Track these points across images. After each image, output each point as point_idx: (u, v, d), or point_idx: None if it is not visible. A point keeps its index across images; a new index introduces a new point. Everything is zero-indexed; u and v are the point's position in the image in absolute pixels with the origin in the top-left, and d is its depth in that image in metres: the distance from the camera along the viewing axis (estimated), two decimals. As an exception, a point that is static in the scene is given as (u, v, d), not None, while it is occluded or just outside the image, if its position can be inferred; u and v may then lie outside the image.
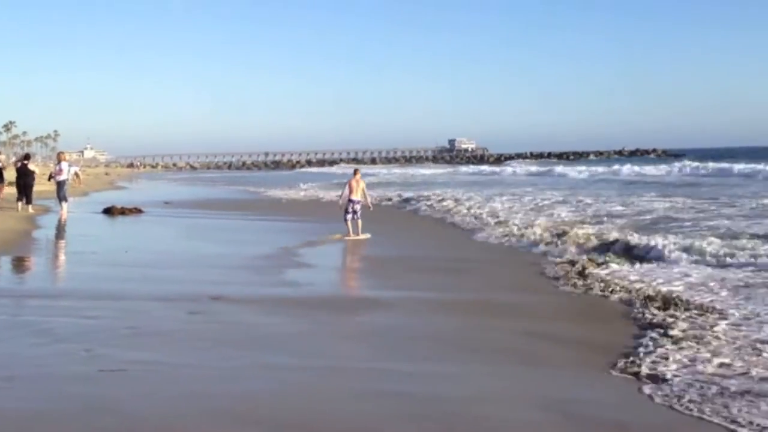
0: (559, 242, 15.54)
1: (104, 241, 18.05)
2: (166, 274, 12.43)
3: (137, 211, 25.34)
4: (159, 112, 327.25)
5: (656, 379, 6.38)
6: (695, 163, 56.21)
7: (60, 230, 19.80)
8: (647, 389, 6.12)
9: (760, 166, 44.21)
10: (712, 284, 10.43)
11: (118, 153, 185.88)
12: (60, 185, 24.11)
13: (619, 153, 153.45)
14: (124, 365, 6.65)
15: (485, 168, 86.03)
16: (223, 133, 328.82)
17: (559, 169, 65.99)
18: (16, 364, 6.72)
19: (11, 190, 26.02)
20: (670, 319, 8.33)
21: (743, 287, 10.23)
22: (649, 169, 55.30)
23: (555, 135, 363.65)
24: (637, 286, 10.45)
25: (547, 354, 7.42)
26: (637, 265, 12.28)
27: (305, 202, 34.19)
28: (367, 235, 17.92)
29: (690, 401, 5.76)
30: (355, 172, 19.26)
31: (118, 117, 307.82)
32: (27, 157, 27.00)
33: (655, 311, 8.78)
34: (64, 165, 25.04)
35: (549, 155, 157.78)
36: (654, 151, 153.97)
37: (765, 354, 7.04)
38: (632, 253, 13.43)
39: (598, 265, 12.46)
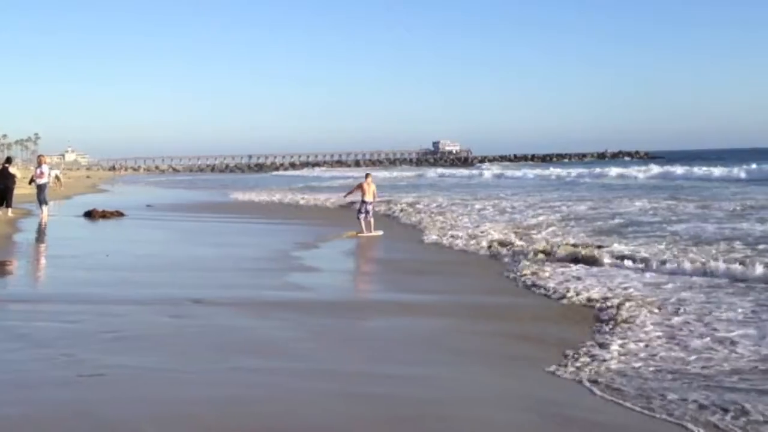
0: (515, 247, 15.21)
1: (85, 244, 17.90)
2: (147, 278, 12.37)
3: (118, 214, 25.19)
4: (141, 114, 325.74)
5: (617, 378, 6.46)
6: (665, 167, 56.62)
7: (40, 234, 19.65)
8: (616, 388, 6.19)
9: (734, 169, 44.84)
10: (647, 288, 10.57)
11: (99, 156, 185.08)
12: (40, 188, 23.96)
13: (602, 155, 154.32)
14: (104, 370, 6.61)
15: (454, 171, 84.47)
16: (206, 135, 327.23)
17: (536, 171, 66.58)
18: (-6, 370, 6.67)
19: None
20: (624, 324, 8.51)
21: (679, 291, 10.32)
22: (627, 171, 55.68)
23: (540, 137, 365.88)
24: (597, 289, 10.53)
25: (526, 355, 7.45)
26: (594, 269, 12.33)
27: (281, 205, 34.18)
28: (380, 233, 19.27)
29: (651, 400, 5.87)
30: (367, 176, 20.56)
31: (100, 119, 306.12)
32: (8, 160, 26.77)
33: (619, 312, 9.01)
34: (44, 168, 24.90)
35: (533, 157, 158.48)
36: (636, 153, 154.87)
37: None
38: (580, 258, 13.32)
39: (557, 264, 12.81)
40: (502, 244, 15.76)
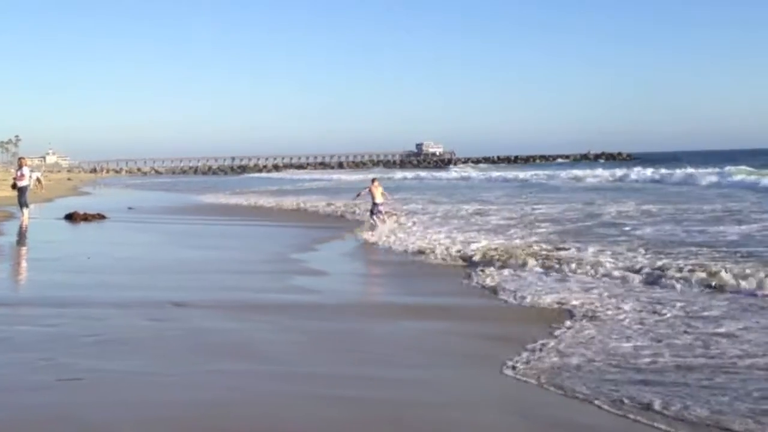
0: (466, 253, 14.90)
1: (66, 247, 17.81)
2: (128, 281, 12.31)
3: (100, 217, 25.06)
4: (123, 116, 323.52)
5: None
6: (639, 169, 56.84)
7: (21, 237, 19.50)
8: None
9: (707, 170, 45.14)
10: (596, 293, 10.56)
11: (80, 158, 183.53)
12: (21, 191, 23.78)
13: (585, 156, 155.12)
14: (84, 374, 6.60)
15: (423, 173, 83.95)
16: (189, 136, 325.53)
17: (500, 173, 67.12)
18: (-28, 374, 6.63)
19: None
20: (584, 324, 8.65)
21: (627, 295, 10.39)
22: (582, 173, 55.72)
23: (525, 139, 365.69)
24: (552, 296, 10.49)
25: (490, 354, 7.46)
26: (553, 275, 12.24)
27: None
28: (394, 225, 20.54)
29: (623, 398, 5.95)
30: (373, 180, 21.74)
31: (81, 121, 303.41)
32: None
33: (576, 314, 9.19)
34: (25, 170, 24.71)
35: (516, 159, 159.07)
36: (619, 154, 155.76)
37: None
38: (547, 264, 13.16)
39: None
40: (449, 249, 15.49)
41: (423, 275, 13.17)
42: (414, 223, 21.46)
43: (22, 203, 23.45)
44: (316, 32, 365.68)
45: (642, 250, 13.95)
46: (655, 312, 9.12)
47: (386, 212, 21.32)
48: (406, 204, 29.58)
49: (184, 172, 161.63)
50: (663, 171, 50.32)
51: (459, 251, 15.09)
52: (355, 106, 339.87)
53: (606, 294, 10.38)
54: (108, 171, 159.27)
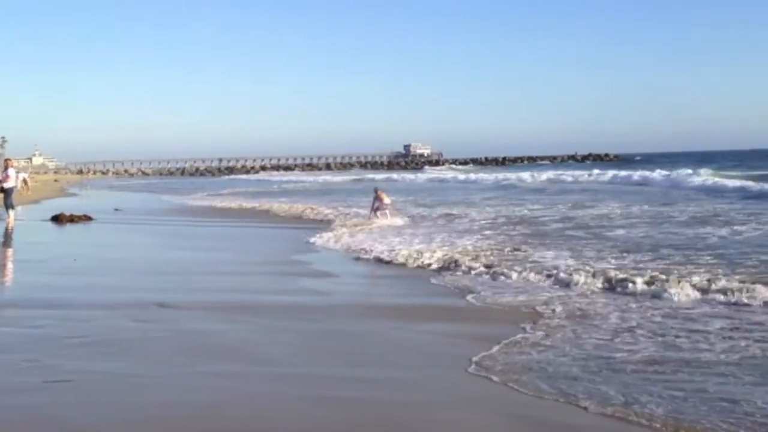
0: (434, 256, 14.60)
1: (52, 249, 17.72)
2: (114, 282, 12.24)
3: (86, 218, 24.92)
4: (109, 117, 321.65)
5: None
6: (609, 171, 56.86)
7: (7, 238, 19.36)
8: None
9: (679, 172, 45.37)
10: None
11: (67, 159, 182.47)
12: (7, 193, 23.63)
13: (572, 157, 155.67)
14: (70, 376, 6.56)
15: (395, 175, 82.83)
16: (176, 137, 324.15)
17: (480, 174, 66.89)
18: (-43, 377, 6.57)
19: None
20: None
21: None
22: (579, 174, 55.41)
23: (514, 140, 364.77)
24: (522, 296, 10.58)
25: (484, 355, 7.48)
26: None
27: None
28: (398, 221, 22.67)
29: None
30: (376, 190, 24.78)
31: (68, 122, 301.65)
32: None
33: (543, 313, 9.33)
34: (11, 172, 24.54)
35: (504, 160, 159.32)
36: (606, 155, 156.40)
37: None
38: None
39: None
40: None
41: (389, 278, 13.15)
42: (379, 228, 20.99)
43: (8, 205, 23.29)
44: (311, 34, 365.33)
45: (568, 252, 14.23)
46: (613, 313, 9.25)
47: (390, 212, 23.89)
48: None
49: (171, 173, 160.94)
50: (622, 173, 51.12)
51: (417, 256, 14.60)
52: (345, 107, 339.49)
53: (557, 295, 10.48)
54: (95, 172, 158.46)
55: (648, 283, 10.70)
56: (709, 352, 7.29)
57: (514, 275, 12.15)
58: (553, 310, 9.44)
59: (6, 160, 27.44)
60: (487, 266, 12.97)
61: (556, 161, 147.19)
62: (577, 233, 17.64)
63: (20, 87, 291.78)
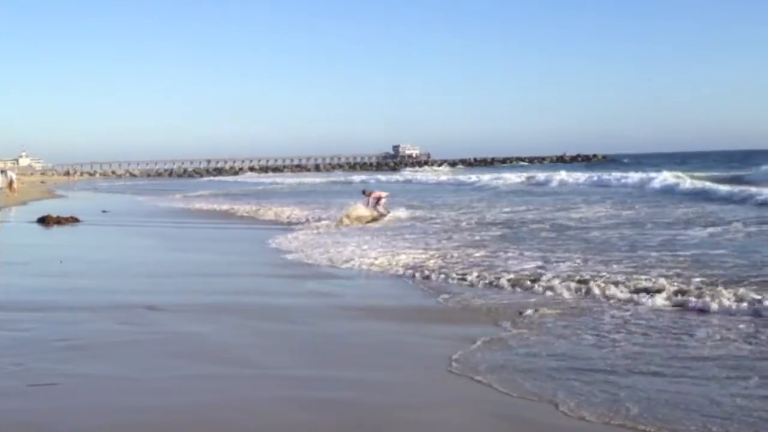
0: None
1: (38, 251, 17.65)
2: (101, 284, 12.22)
3: (73, 220, 24.83)
4: (96, 119, 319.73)
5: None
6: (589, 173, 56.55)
7: (-8, 240, 19.30)
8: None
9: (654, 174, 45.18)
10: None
11: (54, 161, 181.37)
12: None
13: (560, 158, 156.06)
14: (56, 379, 6.55)
15: (370, 177, 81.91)
16: (164, 138, 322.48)
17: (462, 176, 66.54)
18: (-59, 380, 6.56)
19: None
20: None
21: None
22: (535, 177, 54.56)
23: (504, 141, 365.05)
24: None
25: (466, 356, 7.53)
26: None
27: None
28: (395, 216, 24.25)
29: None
30: (368, 192, 26.28)
31: (55, 124, 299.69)
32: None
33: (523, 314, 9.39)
34: (-4, 173, 24.48)
35: (492, 161, 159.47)
36: (594, 156, 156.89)
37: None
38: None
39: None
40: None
41: (364, 280, 13.14)
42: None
43: (-6, 206, 23.23)
44: (303, 35, 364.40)
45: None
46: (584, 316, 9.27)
47: (384, 206, 25.29)
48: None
49: (159, 174, 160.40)
50: (592, 175, 50.73)
51: (389, 261, 14.47)
52: (332, 108, 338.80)
53: (533, 298, 10.49)
54: (82, 174, 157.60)
55: (626, 287, 10.68)
56: (688, 354, 7.34)
57: (487, 277, 12.12)
58: (535, 310, 9.47)
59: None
60: (459, 269, 12.95)
61: (545, 162, 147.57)
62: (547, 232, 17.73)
63: (6, 88, 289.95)
